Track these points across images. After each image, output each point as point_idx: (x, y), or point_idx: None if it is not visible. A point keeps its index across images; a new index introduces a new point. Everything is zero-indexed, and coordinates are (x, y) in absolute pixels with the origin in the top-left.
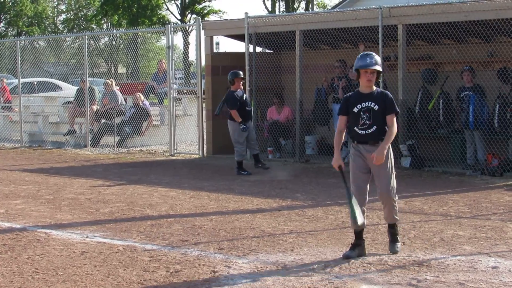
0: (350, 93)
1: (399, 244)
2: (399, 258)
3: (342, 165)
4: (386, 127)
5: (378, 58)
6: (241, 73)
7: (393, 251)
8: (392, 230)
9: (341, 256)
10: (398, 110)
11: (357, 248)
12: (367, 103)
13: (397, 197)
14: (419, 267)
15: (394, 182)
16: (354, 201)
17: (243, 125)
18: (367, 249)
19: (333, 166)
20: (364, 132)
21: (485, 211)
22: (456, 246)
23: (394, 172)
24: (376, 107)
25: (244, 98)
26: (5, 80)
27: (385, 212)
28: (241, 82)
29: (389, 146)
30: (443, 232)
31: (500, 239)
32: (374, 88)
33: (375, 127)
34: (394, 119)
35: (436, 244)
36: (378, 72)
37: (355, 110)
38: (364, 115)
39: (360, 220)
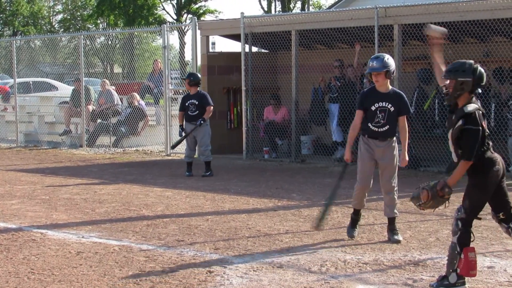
0: (366, 89)
1: (400, 236)
2: (394, 258)
3: (350, 160)
4: (397, 126)
5: (385, 59)
6: (192, 74)
7: (395, 240)
8: (391, 226)
9: (347, 236)
10: (411, 111)
11: (357, 224)
12: (384, 103)
13: (397, 189)
14: (415, 267)
15: (396, 175)
16: (330, 207)
17: (180, 129)
18: (363, 249)
19: (346, 159)
20: (377, 129)
21: None
22: None
23: (397, 166)
24: (392, 108)
25: (194, 101)
26: None
27: (385, 204)
28: (188, 83)
29: (396, 143)
30: (438, 232)
31: (496, 239)
32: (390, 87)
33: (387, 126)
34: (405, 119)
35: (432, 244)
36: (387, 71)
37: (373, 108)
38: (380, 114)
39: (321, 225)
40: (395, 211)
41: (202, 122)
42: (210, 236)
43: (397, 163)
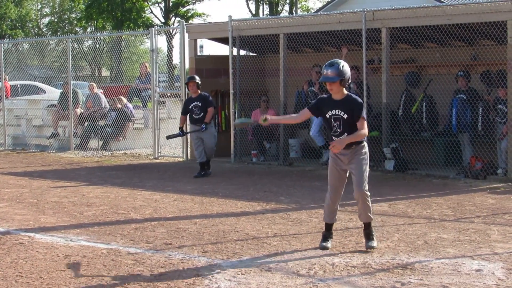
0: (326, 95)
1: (374, 241)
2: (383, 261)
3: (267, 118)
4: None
5: (340, 67)
6: (194, 77)
7: (369, 246)
8: (367, 231)
9: (319, 247)
10: (364, 116)
11: (330, 239)
12: (337, 111)
13: (369, 194)
14: (403, 270)
15: (366, 179)
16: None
17: (179, 131)
18: (351, 252)
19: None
20: (336, 138)
21: (468, 214)
22: (439, 249)
23: (367, 171)
24: (345, 116)
25: (197, 103)
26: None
27: (359, 209)
28: (195, 86)
29: (366, 147)
30: (426, 235)
31: (484, 242)
32: (345, 93)
33: (345, 134)
34: (364, 123)
35: (420, 247)
36: (341, 80)
37: (327, 116)
38: (335, 123)
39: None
40: (369, 215)
41: (204, 127)
42: (198, 239)
43: (367, 167)
